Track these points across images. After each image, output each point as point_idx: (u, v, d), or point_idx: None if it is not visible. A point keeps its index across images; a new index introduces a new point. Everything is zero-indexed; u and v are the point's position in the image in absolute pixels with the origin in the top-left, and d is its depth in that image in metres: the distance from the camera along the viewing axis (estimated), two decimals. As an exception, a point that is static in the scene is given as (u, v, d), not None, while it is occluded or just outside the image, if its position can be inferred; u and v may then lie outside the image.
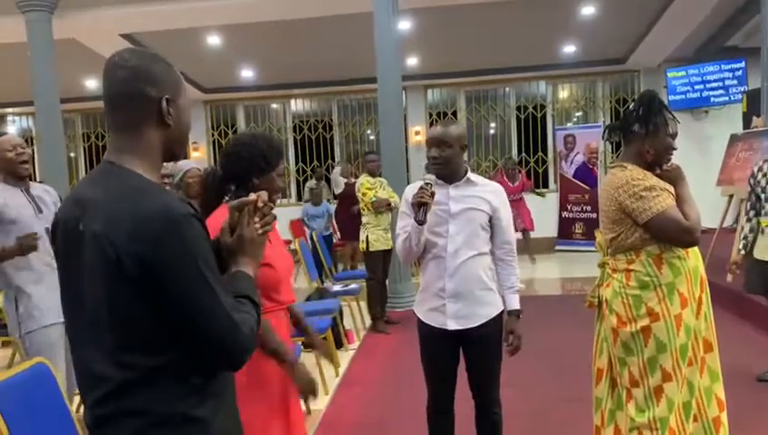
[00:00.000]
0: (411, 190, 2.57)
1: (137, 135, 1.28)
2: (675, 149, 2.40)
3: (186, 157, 1.63)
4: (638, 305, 2.33)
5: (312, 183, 10.50)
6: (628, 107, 2.51)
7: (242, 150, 2.02)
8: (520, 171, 10.15)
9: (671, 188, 2.35)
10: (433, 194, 2.46)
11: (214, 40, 8.79)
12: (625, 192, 2.31)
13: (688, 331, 2.32)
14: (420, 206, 2.44)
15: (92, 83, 10.79)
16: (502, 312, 2.64)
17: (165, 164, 1.43)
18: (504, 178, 9.69)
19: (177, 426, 1.21)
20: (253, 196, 1.42)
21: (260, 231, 1.41)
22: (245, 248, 1.38)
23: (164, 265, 1.15)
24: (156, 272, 1.15)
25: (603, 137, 2.59)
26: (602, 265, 2.57)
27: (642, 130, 2.36)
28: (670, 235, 2.29)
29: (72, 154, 12.37)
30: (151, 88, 1.27)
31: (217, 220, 1.52)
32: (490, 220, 2.60)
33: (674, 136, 2.39)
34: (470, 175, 2.62)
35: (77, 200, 1.25)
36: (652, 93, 2.43)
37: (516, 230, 9.50)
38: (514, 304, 2.64)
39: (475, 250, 2.56)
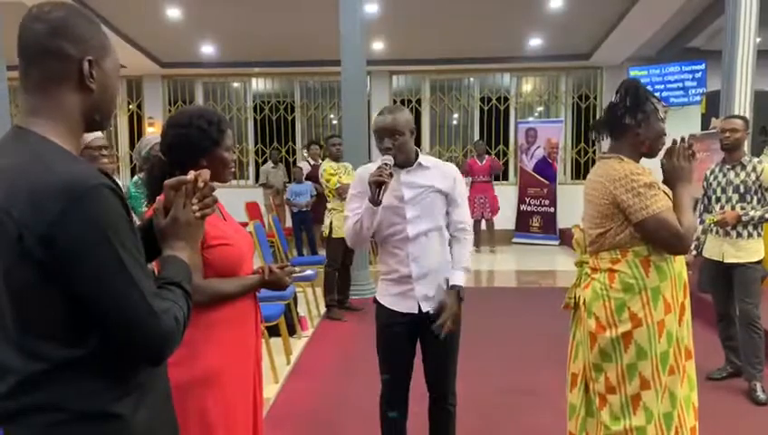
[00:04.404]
0: (366, 171, 2.52)
1: (52, 97, 1.13)
2: (665, 134, 2.29)
3: (107, 127, 1.51)
4: (621, 309, 2.19)
5: (267, 166, 10.31)
6: (612, 101, 2.33)
7: (182, 133, 1.87)
8: (488, 152, 10.26)
9: (668, 190, 2.24)
10: (391, 174, 2.40)
11: (174, 12, 8.48)
12: (622, 186, 2.15)
13: (670, 338, 2.21)
14: (378, 185, 2.36)
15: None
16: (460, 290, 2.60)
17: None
18: (474, 157, 9.90)
19: (92, 423, 1.09)
20: (192, 174, 1.29)
21: (197, 214, 1.28)
22: (179, 232, 1.26)
23: (70, 243, 1.02)
24: (61, 251, 1.02)
25: (591, 136, 2.43)
26: (580, 264, 2.44)
27: (632, 121, 2.24)
28: (662, 239, 2.15)
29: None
30: (72, 46, 1.13)
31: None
32: (447, 199, 2.57)
33: (663, 121, 2.28)
34: (421, 159, 2.56)
35: None
36: (635, 82, 2.31)
37: (482, 218, 9.63)
38: (458, 280, 2.53)
39: (433, 229, 2.54)
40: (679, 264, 2.26)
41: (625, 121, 2.25)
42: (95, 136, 3.17)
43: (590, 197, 2.29)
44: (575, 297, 2.39)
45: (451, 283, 2.53)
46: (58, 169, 1.05)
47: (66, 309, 1.05)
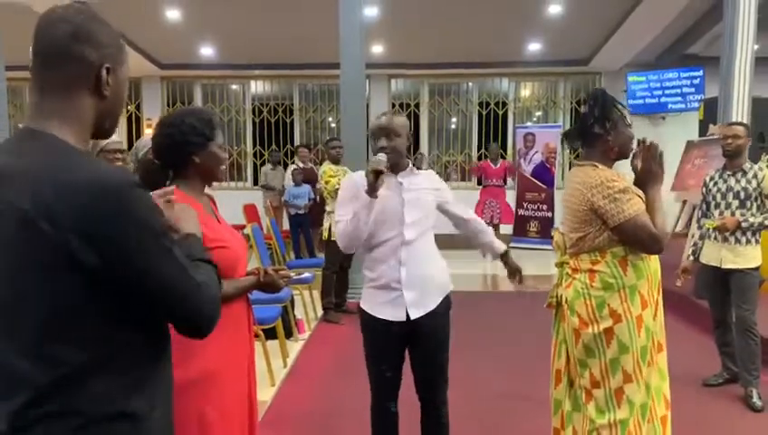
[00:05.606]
0: (358, 177, 2.54)
1: (68, 100, 1.14)
2: (633, 137, 2.40)
3: (112, 134, 1.54)
4: (601, 307, 2.30)
5: (266, 168, 10.30)
6: (582, 111, 2.46)
7: (173, 132, 1.88)
8: (503, 156, 10.28)
9: (641, 193, 2.34)
10: (388, 167, 2.42)
11: (173, 14, 8.48)
12: (599, 192, 2.26)
13: (648, 332, 2.31)
14: (376, 175, 2.34)
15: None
16: (448, 295, 2.63)
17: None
18: (488, 161, 9.84)
19: (112, 424, 1.09)
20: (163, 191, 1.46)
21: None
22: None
23: (118, 240, 1.05)
24: (112, 248, 1.04)
25: (563, 145, 2.57)
26: (560, 265, 2.53)
27: (602, 130, 2.34)
28: (640, 241, 2.26)
29: (21, 125, 11.84)
30: (93, 51, 1.13)
31: None
32: (438, 206, 2.68)
33: (630, 126, 2.39)
34: (411, 166, 2.63)
35: None
36: (601, 91, 2.42)
37: (490, 223, 9.63)
38: (502, 247, 2.98)
39: (427, 233, 2.58)
40: (654, 262, 2.37)
41: (595, 131, 2.35)
42: (111, 140, 3.12)
43: (569, 203, 2.40)
44: (557, 296, 2.48)
45: (500, 251, 3.00)
46: (91, 169, 1.07)
47: (101, 309, 1.07)
